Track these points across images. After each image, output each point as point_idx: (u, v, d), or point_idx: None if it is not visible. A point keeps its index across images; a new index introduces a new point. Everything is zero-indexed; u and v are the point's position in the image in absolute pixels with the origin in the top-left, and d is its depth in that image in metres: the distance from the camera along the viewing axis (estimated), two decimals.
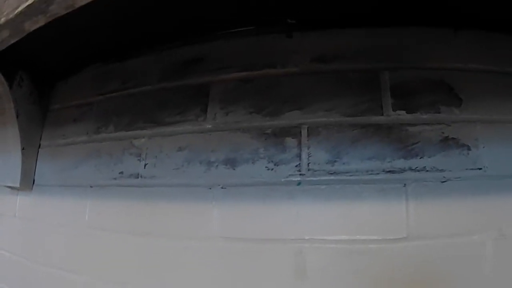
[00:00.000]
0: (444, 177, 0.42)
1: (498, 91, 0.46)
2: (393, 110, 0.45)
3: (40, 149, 0.67)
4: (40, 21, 0.40)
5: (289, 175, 0.45)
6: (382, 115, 0.45)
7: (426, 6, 0.46)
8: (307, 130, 0.46)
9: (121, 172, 0.54)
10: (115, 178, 0.54)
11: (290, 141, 0.46)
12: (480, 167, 0.43)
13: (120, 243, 0.52)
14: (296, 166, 0.45)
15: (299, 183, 0.44)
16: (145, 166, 0.52)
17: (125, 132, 0.55)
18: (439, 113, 0.45)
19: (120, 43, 0.58)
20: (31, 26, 0.41)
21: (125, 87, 0.58)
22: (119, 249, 0.52)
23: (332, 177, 0.44)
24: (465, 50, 0.48)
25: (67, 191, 0.60)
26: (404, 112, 0.45)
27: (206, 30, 0.54)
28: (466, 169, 0.43)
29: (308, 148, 0.45)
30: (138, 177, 0.52)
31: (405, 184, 0.42)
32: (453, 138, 0.44)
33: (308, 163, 0.45)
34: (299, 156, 0.45)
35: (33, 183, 0.66)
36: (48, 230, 0.60)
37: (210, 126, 0.50)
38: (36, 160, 0.67)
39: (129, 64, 0.60)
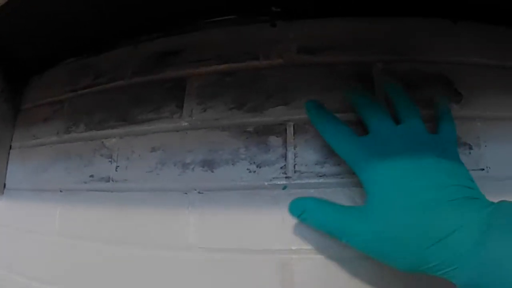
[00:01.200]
0: None
1: (499, 87, 0.43)
2: (388, 106, 0.41)
3: (11, 151, 0.63)
4: None
5: (274, 177, 0.41)
6: None
7: None
8: (293, 128, 0.42)
9: (92, 176, 0.49)
10: (85, 182, 0.50)
11: (274, 140, 0.42)
12: (482, 167, 0.39)
13: (91, 252, 0.47)
14: (281, 167, 0.41)
15: (284, 187, 0.40)
16: (116, 168, 0.47)
17: (96, 132, 0.51)
18: None
19: (96, 35, 0.54)
20: None
21: (97, 83, 0.54)
22: (91, 259, 0.47)
23: (321, 180, 0.40)
24: (464, 43, 0.45)
25: (38, 196, 0.55)
26: None
27: (185, 20, 0.50)
28: (469, 169, 0.38)
29: (295, 148, 0.41)
30: (109, 181, 0.47)
31: None
32: None
33: (295, 165, 0.40)
34: (284, 156, 0.41)
35: (4, 187, 0.61)
36: (19, 236, 0.56)
37: (186, 124, 0.45)
38: (7, 162, 0.62)
39: (103, 58, 0.56)
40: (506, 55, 0.45)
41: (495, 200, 0.38)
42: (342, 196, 0.39)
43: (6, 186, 0.61)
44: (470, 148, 0.40)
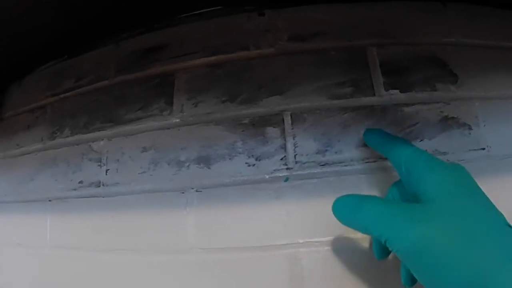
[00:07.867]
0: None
1: (492, 66, 0.43)
2: (385, 90, 0.41)
3: None
4: None
5: (274, 170, 0.39)
6: (374, 95, 0.40)
7: None
8: (291, 117, 0.40)
9: (81, 181, 0.47)
10: (74, 189, 0.47)
11: (272, 131, 0.40)
12: (483, 147, 0.39)
13: (85, 261, 0.45)
14: (282, 159, 0.39)
15: (286, 179, 0.39)
16: (106, 172, 0.45)
17: (82, 135, 0.49)
18: (435, 90, 0.41)
19: (75, 36, 0.52)
20: None
21: (79, 85, 0.52)
22: (86, 269, 0.45)
23: (324, 169, 0.38)
24: (456, 24, 0.45)
25: (26, 207, 0.53)
26: (397, 91, 0.40)
27: (168, 14, 0.48)
28: (469, 150, 0.39)
29: (294, 138, 0.40)
30: (99, 186, 0.45)
31: None
32: (452, 117, 0.40)
33: (295, 155, 0.39)
34: (283, 147, 0.40)
35: None
36: (9, 252, 0.53)
37: (177, 121, 0.43)
38: None
39: (84, 59, 0.53)
40: (499, 35, 0.45)
41: (497, 179, 0.38)
42: (347, 184, 0.38)
43: None
44: (470, 128, 0.40)
